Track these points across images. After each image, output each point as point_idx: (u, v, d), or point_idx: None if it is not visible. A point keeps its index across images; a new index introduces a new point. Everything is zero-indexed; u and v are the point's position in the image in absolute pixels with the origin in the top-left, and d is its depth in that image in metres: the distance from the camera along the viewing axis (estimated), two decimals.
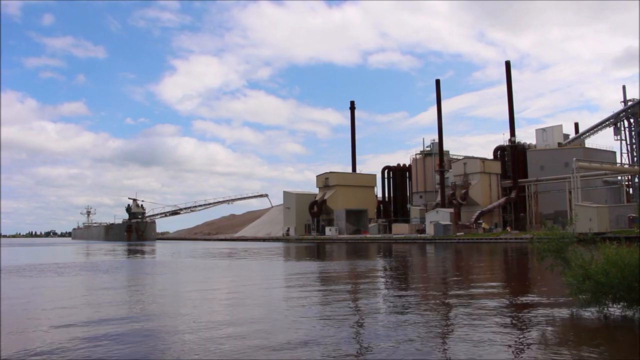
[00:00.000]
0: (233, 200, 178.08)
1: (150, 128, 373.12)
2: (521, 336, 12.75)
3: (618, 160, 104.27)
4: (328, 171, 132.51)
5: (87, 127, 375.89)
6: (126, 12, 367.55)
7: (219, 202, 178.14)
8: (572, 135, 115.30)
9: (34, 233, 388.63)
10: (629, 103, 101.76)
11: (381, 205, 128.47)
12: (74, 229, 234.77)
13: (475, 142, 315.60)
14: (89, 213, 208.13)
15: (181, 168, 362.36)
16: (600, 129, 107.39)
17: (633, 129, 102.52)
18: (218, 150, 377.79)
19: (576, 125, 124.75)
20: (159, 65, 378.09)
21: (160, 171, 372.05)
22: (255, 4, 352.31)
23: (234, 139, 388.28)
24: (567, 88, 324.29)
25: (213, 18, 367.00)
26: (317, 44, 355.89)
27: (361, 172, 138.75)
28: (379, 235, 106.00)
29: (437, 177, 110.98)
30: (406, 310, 16.76)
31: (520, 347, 11.69)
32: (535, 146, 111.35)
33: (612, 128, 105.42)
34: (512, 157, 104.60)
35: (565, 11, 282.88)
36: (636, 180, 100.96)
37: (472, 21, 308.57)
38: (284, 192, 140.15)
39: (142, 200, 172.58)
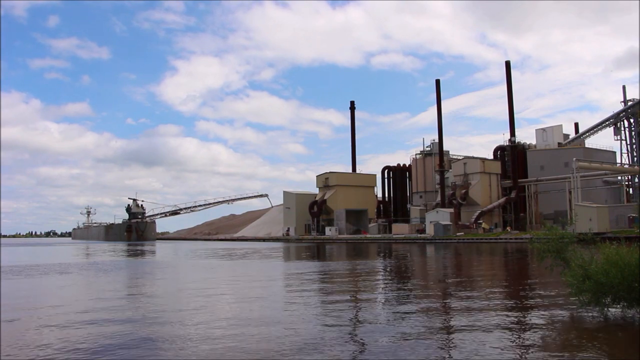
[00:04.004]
0: (233, 200, 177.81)
1: (153, 128, 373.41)
2: (521, 336, 12.76)
3: (618, 160, 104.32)
4: (329, 171, 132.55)
5: (90, 127, 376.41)
6: (131, 13, 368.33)
7: (219, 202, 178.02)
8: (572, 135, 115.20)
9: (34, 233, 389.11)
10: (629, 103, 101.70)
11: (381, 205, 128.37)
12: (74, 229, 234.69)
13: (475, 142, 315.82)
14: (89, 213, 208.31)
15: (183, 168, 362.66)
16: (600, 129, 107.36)
17: (633, 129, 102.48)
18: (220, 150, 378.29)
19: (576, 125, 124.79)
20: (160, 65, 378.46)
21: (162, 171, 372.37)
22: (260, 6, 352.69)
23: (236, 140, 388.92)
24: (568, 89, 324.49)
25: (217, 19, 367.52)
26: (320, 45, 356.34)
27: (361, 172, 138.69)
28: (379, 235, 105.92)
29: (437, 177, 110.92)
30: (406, 313, 16.76)
31: (521, 347, 11.69)
32: (535, 146, 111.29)
33: (612, 128, 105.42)
34: (512, 157, 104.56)
35: (566, 13, 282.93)
36: (636, 180, 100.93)
37: (474, 23, 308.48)
38: (284, 192, 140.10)
39: (142, 201, 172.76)
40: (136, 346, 12.09)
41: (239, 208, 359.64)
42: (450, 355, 11.11)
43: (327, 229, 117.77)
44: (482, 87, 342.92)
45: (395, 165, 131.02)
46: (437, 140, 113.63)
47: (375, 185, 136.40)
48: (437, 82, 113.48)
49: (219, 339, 12.69)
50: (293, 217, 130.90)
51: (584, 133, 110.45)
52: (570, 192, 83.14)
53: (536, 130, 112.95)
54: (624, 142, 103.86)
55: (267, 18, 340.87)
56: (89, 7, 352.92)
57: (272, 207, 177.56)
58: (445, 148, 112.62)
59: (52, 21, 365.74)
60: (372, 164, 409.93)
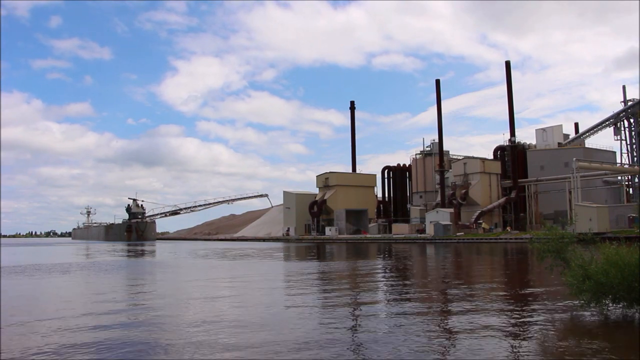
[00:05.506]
0: (233, 200, 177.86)
1: (153, 129, 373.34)
2: (522, 337, 12.77)
3: (618, 160, 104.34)
4: (329, 171, 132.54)
5: (91, 127, 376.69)
6: (132, 14, 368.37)
7: (219, 202, 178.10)
8: (572, 135, 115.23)
9: (34, 233, 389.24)
10: (629, 103, 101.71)
11: (381, 205, 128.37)
12: (74, 229, 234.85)
13: (475, 142, 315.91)
14: (89, 213, 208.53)
15: (184, 168, 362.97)
16: (600, 129, 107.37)
17: (633, 129, 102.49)
18: (221, 150, 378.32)
19: (576, 125, 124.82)
20: (161, 66, 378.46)
21: (163, 171, 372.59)
22: (261, 6, 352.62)
23: (237, 140, 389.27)
24: (568, 89, 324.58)
25: (218, 20, 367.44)
26: (321, 46, 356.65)
27: (361, 172, 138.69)
28: (379, 235, 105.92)
29: (437, 177, 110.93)
30: (407, 315, 16.77)
31: (521, 347, 11.70)
32: (535, 146, 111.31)
33: (612, 128, 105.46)
34: (512, 157, 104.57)
35: (567, 14, 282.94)
36: (636, 180, 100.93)
37: (474, 23, 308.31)
38: (284, 192, 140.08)
39: (142, 201, 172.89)
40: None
41: (239, 208, 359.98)
42: (450, 354, 11.12)
43: (327, 229, 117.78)
44: (482, 87, 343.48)
45: (395, 165, 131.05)
46: (437, 140, 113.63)
47: (375, 185, 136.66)
48: (437, 82, 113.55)
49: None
50: (293, 217, 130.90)
51: (584, 133, 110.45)
52: (570, 192, 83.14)
53: (536, 130, 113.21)
54: (624, 142, 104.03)
55: (269, 18, 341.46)
56: (91, 7, 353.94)
57: (272, 207, 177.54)
58: (445, 148, 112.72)
59: (54, 22, 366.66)
60: (372, 164, 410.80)
